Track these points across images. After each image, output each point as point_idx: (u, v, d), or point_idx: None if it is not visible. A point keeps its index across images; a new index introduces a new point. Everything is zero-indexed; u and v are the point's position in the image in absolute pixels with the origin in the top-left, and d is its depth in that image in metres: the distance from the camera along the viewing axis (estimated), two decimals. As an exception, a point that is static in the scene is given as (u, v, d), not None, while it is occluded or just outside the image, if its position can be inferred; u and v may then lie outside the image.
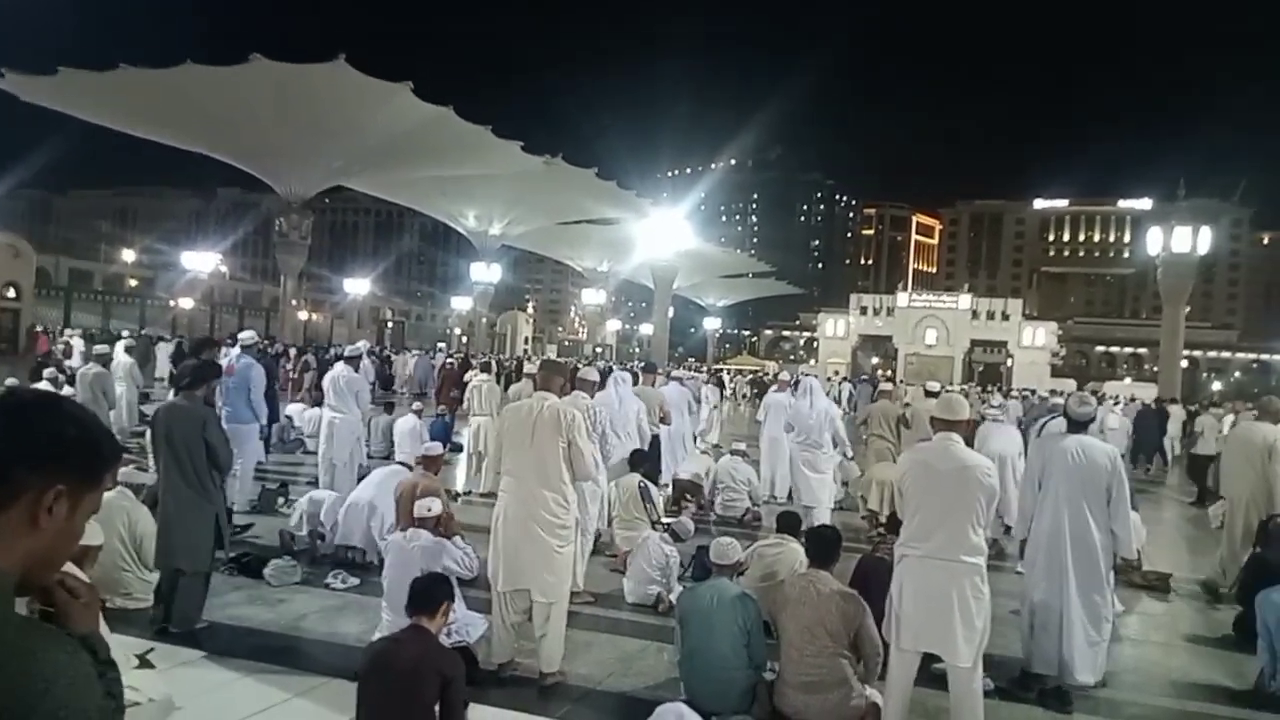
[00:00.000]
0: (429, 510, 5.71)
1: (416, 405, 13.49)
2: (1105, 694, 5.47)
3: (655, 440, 10.04)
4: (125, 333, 27.10)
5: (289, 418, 14.30)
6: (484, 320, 47.33)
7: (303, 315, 42.20)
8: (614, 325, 65.23)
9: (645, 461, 9.06)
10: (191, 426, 5.60)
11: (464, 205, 39.21)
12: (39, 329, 24.06)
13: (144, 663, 4.83)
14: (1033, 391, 31.91)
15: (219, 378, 6.73)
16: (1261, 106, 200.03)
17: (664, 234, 32.38)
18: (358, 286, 57.62)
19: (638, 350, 74.06)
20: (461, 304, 52.49)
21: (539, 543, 4.97)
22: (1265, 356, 74.08)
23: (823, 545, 4.97)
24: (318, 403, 12.77)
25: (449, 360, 22.94)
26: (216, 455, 5.61)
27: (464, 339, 56.16)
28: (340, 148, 28.31)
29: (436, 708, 3.69)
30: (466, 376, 15.27)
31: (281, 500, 9.29)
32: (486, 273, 42.07)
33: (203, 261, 46.49)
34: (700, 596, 4.86)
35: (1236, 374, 74.02)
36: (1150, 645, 6.78)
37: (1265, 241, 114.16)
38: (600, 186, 34.63)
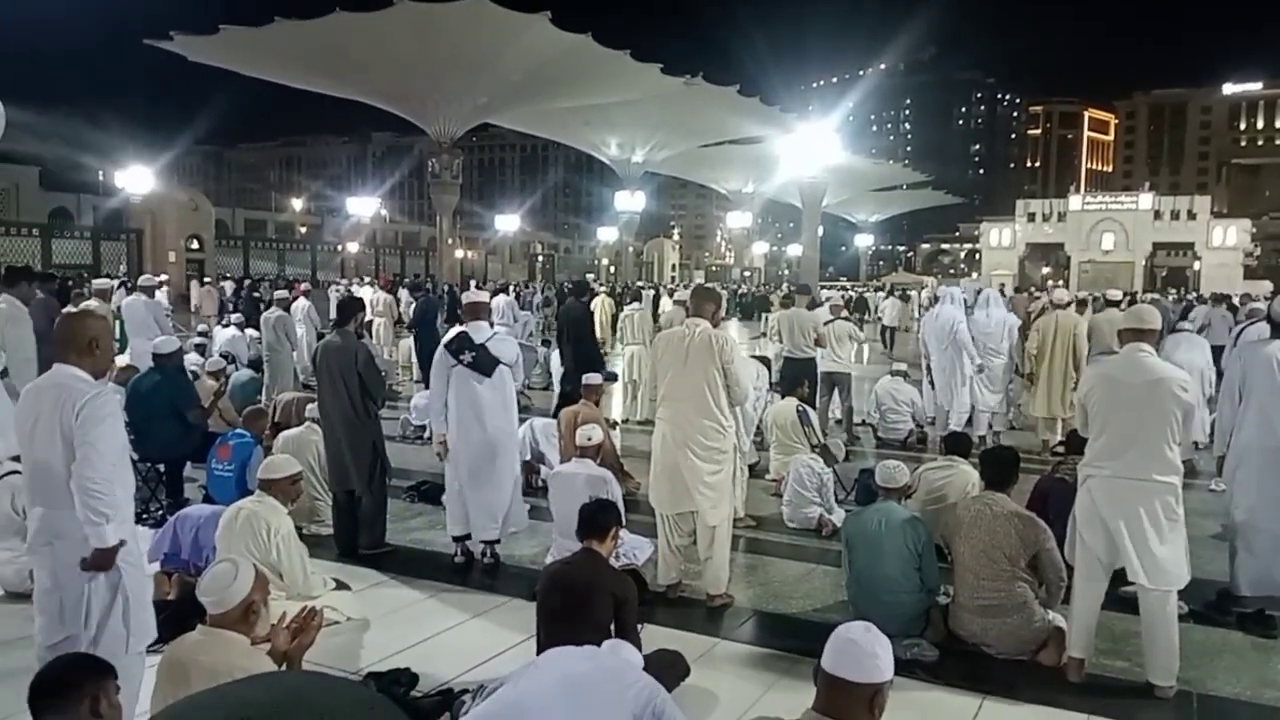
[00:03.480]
0: (589, 439, 5.83)
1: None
2: (1318, 619, 5.06)
3: (811, 364, 9.87)
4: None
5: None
6: (630, 249, 47.58)
7: (459, 253, 43.64)
8: (761, 248, 64.19)
9: (803, 385, 8.93)
10: (345, 359, 5.94)
11: (606, 134, 39.17)
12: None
13: (340, 585, 5.22)
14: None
15: (363, 310, 7.08)
16: None
17: (810, 149, 31.25)
18: (508, 223, 58.92)
19: (786, 272, 72.72)
20: (608, 234, 52.89)
21: (697, 467, 4.99)
22: None
23: (999, 466, 4.75)
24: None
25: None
26: (368, 386, 5.93)
27: (612, 269, 56.76)
28: (484, 84, 28.70)
29: (611, 627, 3.80)
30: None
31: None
32: (631, 201, 42.08)
33: (364, 206, 48.67)
34: (867, 520, 4.77)
35: None
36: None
37: None
38: (743, 104, 33.75)
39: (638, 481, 7.23)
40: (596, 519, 4.00)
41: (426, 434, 8.33)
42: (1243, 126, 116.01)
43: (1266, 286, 38.14)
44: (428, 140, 33.25)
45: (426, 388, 7.50)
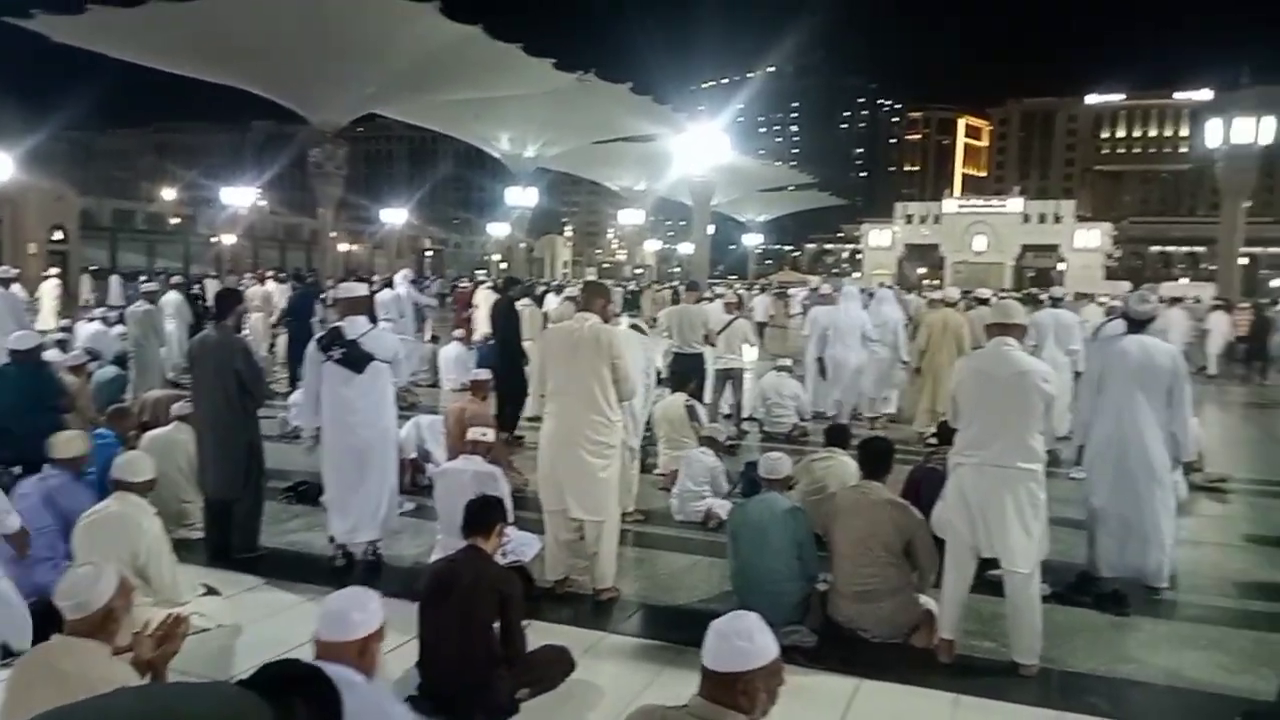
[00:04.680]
0: (483, 435, 5.74)
1: (459, 332, 13.57)
2: (1165, 595, 5.42)
3: (700, 360, 9.99)
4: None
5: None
6: (522, 245, 47.19)
7: (343, 247, 42.36)
8: (653, 245, 64.68)
9: (691, 380, 9.04)
10: (223, 355, 5.71)
11: (497, 128, 38.65)
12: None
13: (210, 590, 4.99)
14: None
15: (242, 304, 6.77)
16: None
17: (701, 149, 31.70)
18: (395, 216, 57.55)
19: (679, 269, 73.43)
20: (499, 230, 52.30)
21: (584, 463, 4.98)
22: (1331, 250, 71.22)
23: (875, 456, 4.92)
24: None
25: (458, 284, 23.39)
26: (247, 384, 5.72)
27: (504, 264, 56.19)
28: (370, 73, 27.90)
29: (496, 625, 3.75)
30: (476, 299, 16.14)
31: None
32: (522, 196, 41.69)
33: (241, 196, 46.61)
34: (751, 511, 4.86)
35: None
36: (1209, 546, 6.67)
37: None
38: (635, 102, 33.86)
39: (526, 478, 7.17)
40: (481, 515, 3.94)
41: (305, 432, 8.06)
42: (1105, 135, 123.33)
43: (1126, 286, 40.63)
44: (310, 129, 32.12)
45: (294, 384, 7.25)
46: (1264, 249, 65.72)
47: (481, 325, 12.40)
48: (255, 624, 4.66)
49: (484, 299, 17.29)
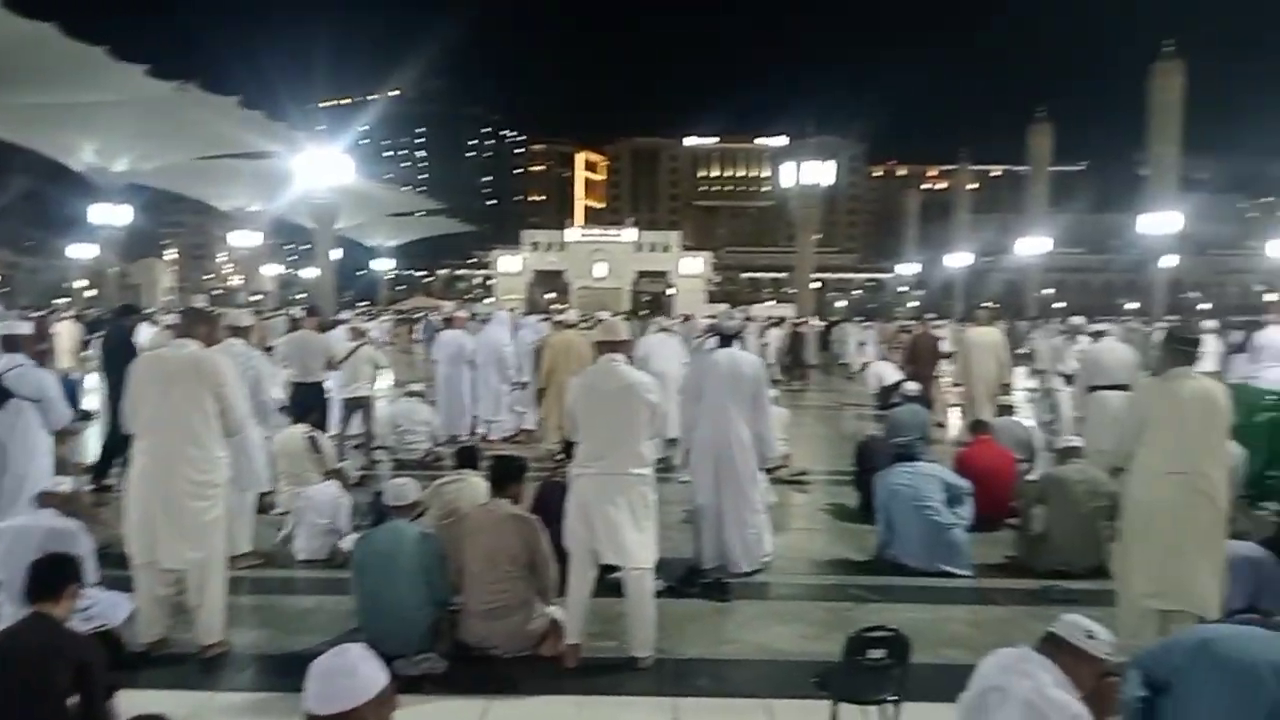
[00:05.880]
0: (57, 486, 4.97)
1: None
2: (759, 579, 6.11)
3: (320, 389, 9.53)
4: None
5: None
6: (114, 270, 41.81)
7: None
8: (273, 270, 60.59)
9: (313, 411, 8.59)
10: None
11: (79, 137, 33.96)
12: None
13: None
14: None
15: None
16: (876, 54, 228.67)
17: (321, 169, 30.31)
18: (-57, 236, 48.31)
19: (304, 296, 69.43)
20: (83, 252, 45.98)
21: (183, 507, 4.51)
22: (879, 275, 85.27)
23: (502, 473, 4.99)
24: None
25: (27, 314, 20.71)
26: None
27: (94, 291, 49.38)
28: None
29: (74, 700, 3.25)
30: (56, 328, 14.73)
31: None
32: (112, 215, 36.87)
33: None
34: (377, 541, 4.71)
35: (857, 292, 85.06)
36: (795, 532, 7.63)
37: (878, 174, 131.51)
38: (246, 117, 31.48)
39: (115, 530, 6.32)
40: (47, 578, 3.40)
41: None
42: (702, 174, 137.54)
43: (723, 308, 45.39)
44: None
45: None
46: (830, 274, 77.20)
47: (63, 358, 10.83)
48: None
49: (67, 330, 15.46)
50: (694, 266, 65.10)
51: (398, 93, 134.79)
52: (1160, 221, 34.77)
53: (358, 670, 2.10)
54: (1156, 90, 36.30)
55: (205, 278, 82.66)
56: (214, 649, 4.64)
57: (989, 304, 16.38)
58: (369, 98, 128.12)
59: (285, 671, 4.51)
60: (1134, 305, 31.81)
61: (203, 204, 57.20)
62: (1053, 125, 46.13)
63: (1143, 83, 36.88)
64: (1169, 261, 35.82)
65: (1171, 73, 35.96)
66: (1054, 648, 2.65)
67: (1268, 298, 47.29)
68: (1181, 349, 4.80)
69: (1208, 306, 45.52)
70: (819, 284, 60.46)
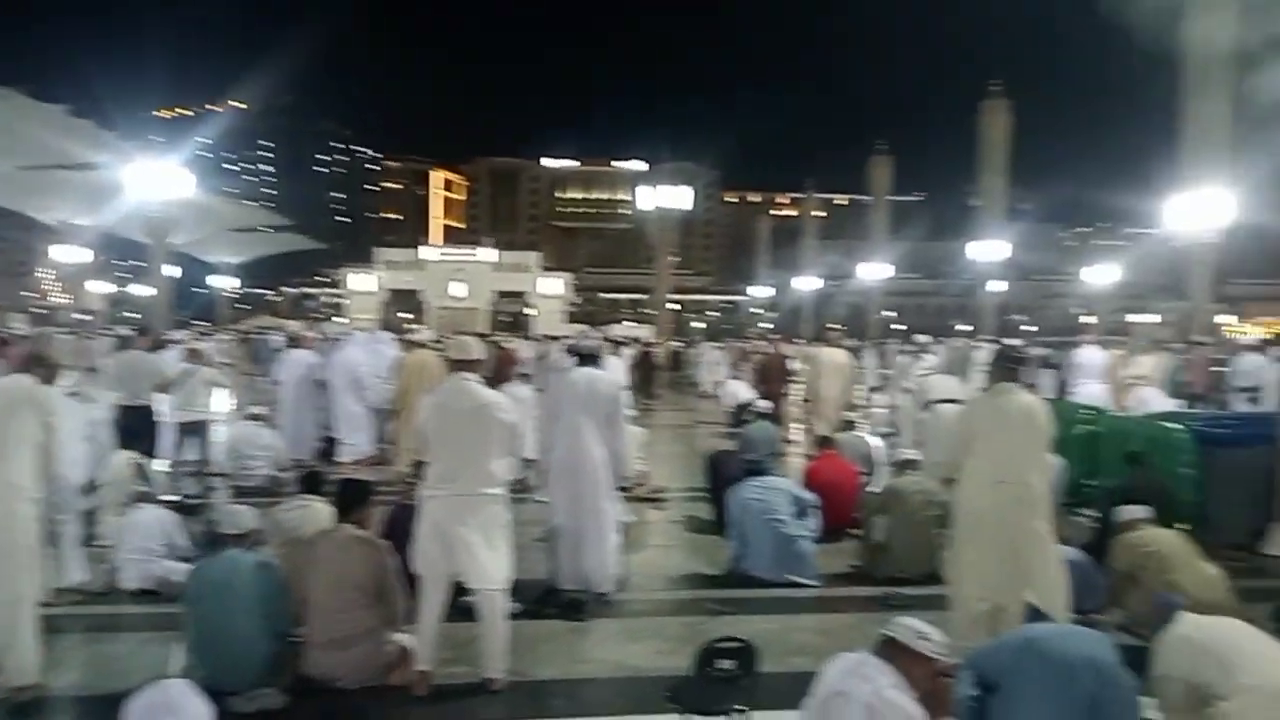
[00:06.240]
0: None
1: None
2: (617, 597, 6.11)
3: (149, 412, 8.99)
4: None
5: None
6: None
7: None
8: (102, 287, 56.65)
9: (142, 437, 8.10)
10: None
11: None
12: None
13: None
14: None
15: None
16: (730, 85, 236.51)
17: (156, 182, 28.59)
18: None
19: (139, 315, 65.15)
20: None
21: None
22: (734, 298, 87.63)
23: (348, 497, 4.84)
24: None
25: None
26: None
27: (-112, 310, 44.71)
28: None
29: None
30: None
31: None
32: (-87, 226, 33.77)
33: None
34: (212, 570, 4.46)
35: (713, 313, 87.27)
36: (652, 549, 7.69)
37: (732, 200, 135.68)
38: (75, 126, 29.42)
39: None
40: None
41: None
42: (561, 195, 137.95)
43: (584, 328, 45.55)
44: None
45: None
46: (688, 296, 78.85)
47: None
48: None
49: None
50: (553, 287, 65.21)
51: (243, 106, 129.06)
52: (989, 249, 37.31)
53: (181, 707, 1.97)
54: (985, 126, 39.15)
55: (25, 295, 76.36)
56: (26, 692, 4.26)
57: (836, 325, 17.06)
58: (210, 109, 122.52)
59: (105, 715, 4.18)
60: (966, 327, 33.94)
61: (24, 217, 53.04)
62: (892, 158, 48.95)
63: (974, 119, 39.69)
64: (997, 286, 38.41)
65: (999, 110, 38.90)
66: (891, 650, 2.77)
67: (1084, 320, 51.53)
68: (1008, 366, 5.14)
69: (1033, 328, 49.01)
70: (677, 305, 61.64)
